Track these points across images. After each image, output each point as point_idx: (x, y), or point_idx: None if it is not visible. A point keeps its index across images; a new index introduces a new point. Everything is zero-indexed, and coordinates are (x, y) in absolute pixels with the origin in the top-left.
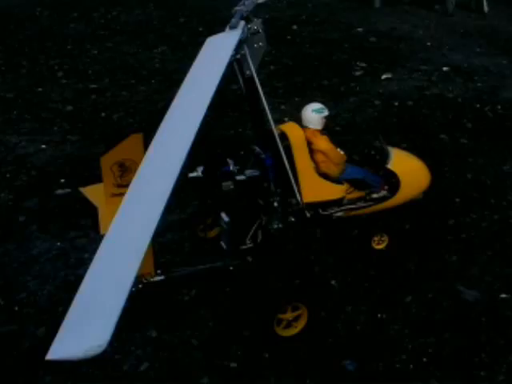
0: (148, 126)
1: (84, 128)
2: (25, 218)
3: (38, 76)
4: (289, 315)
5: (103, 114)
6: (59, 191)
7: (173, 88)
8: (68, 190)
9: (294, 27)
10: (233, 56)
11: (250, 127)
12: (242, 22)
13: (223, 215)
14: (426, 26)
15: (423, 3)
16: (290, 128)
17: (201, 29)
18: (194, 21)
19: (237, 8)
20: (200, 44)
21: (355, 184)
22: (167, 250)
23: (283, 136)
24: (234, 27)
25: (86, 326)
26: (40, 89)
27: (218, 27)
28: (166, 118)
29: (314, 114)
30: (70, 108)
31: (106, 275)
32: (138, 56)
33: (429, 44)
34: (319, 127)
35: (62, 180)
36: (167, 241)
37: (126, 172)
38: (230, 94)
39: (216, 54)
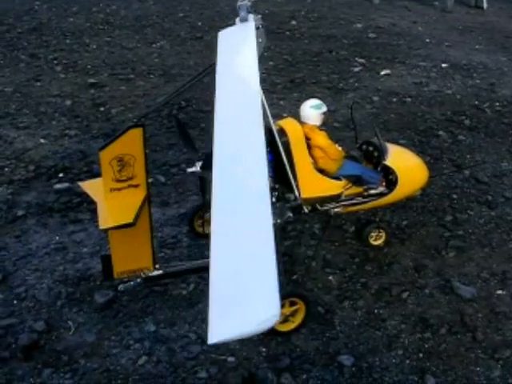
0: (147, 120)
1: (83, 122)
2: (23, 212)
3: (36, 70)
4: (286, 310)
5: (102, 109)
6: (58, 185)
7: (171, 83)
8: (67, 185)
9: (293, 23)
10: None
11: None
12: (251, 15)
13: None
14: (425, 22)
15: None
16: (289, 124)
17: (200, 23)
18: (193, 15)
19: (241, 3)
20: (198, 39)
21: (353, 180)
22: (165, 244)
23: (282, 132)
24: (245, 20)
25: (246, 302)
26: (39, 83)
27: (216, 22)
28: (219, 115)
29: (312, 110)
30: (68, 102)
31: (240, 247)
32: (136, 51)
33: (428, 40)
34: (317, 123)
35: (61, 174)
36: (165, 236)
37: (124, 167)
38: None
39: (242, 44)
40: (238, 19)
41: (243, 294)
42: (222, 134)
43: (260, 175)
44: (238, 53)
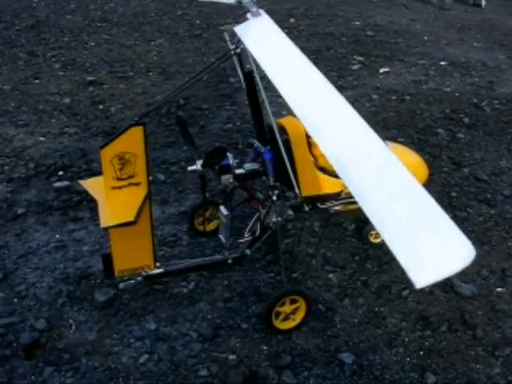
0: (146, 118)
1: (82, 120)
2: (23, 210)
3: (35, 68)
4: (287, 308)
5: (101, 107)
6: (57, 184)
7: (170, 80)
8: (66, 183)
9: (291, 20)
10: (233, 50)
11: (248, 121)
12: (261, 10)
13: (222, 208)
14: (424, 20)
15: None
16: (289, 122)
17: (198, 21)
18: (191, 13)
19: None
20: (197, 36)
21: None
22: (165, 243)
23: (282, 130)
24: (258, 15)
25: (435, 247)
26: (37, 81)
27: (215, 20)
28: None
29: None
30: (67, 100)
31: (394, 202)
32: (135, 48)
33: (426, 38)
34: None
35: (61, 172)
36: (165, 234)
37: (125, 165)
38: (228, 87)
39: (273, 34)
40: (249, 14)
41: (427, 241)
42: (317, 119)
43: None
44: (275, 42)
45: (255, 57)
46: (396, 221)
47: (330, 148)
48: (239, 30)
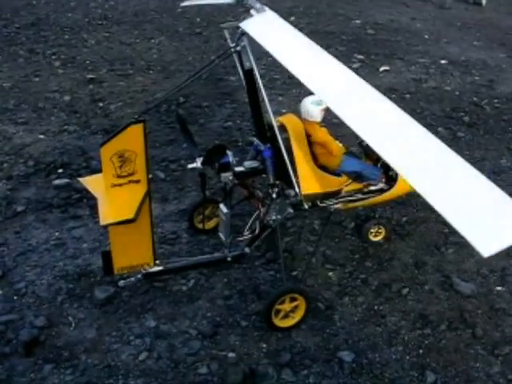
0: (145, 116)
1: (81, 118)
2: (23, 207)
3: (35, 65)
4: (286, 306)
5: (101, 104)
6: (57, 181)
7: (170, 79)
8: (66, 180)
9: (292, 19)
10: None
11: (248, 118)
12: (266, 6)
13: (222, 206)
14: (424, 18)
15: None
16: (289, 120)
17: (198, 19)
18: (191, 11)
19: None
20: (197, 34)
21: (353, 176)
22: (165, 240)
23: (282, 128)
24: (263, 10)
25: (496, 220)
26: (37, 78)
27: (215, 18)
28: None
29: (312, 106)
30: (67, 98)
31: (447, 180)
32: (135, 46)
33: (426, 37)
34: (318, 119)
35: (60, 170)
36: (165, 231)
37: (125, 163)
38: (228, 85)
39: (283, 27)
40: (253, 11)
41: (488, 214)
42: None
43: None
44: (285, 33)
45: (267, 49)
46: (456, 199)
47: (372, 136)
48: (245, 25)
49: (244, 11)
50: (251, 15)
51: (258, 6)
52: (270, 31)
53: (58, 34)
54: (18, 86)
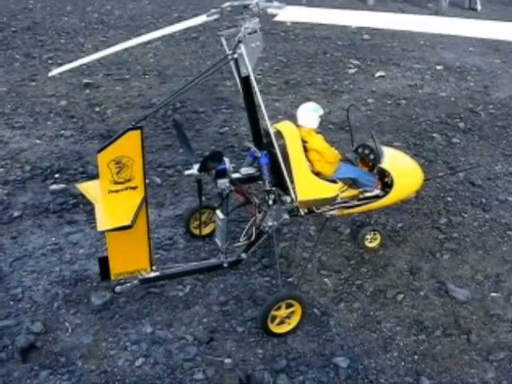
0: (142, 121)
1: (78, 123)
2: (19, 212)
3: (31, 70)
4: (282, 312)
5: (97, 109)
6: (53, 186)
7: (167, 83)
8: (62, 186)
9: (288, 24)
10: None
11: (244, 123)
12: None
13: (218, 212)
14: None
15: (416, 1)
16: (286, 127)
17: None
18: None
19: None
20: (193, 39)
21: (349, 183)
22: (161, 246)
23: (278, 135)
24: (284, 6)
25: None
26: (34, 83)
27: (211, 23)
28: None
29: (309, 113)
30: (64, 102)
31: None
32: (131, 51)
33: (422, 42)
34: (314, 126)
35: (57, 175)
36: (161, 237)
37: (122, 169)
38: (224, 91)
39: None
40: (271, 10)
41: None
42: None
43: None
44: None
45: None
46: None
47: None
48: (281, 17)
49: (241, 18)
50: (251, 20)
51: (276, 3)
52: (309, 11)
53: (54, 38)
54: (14, 91)
